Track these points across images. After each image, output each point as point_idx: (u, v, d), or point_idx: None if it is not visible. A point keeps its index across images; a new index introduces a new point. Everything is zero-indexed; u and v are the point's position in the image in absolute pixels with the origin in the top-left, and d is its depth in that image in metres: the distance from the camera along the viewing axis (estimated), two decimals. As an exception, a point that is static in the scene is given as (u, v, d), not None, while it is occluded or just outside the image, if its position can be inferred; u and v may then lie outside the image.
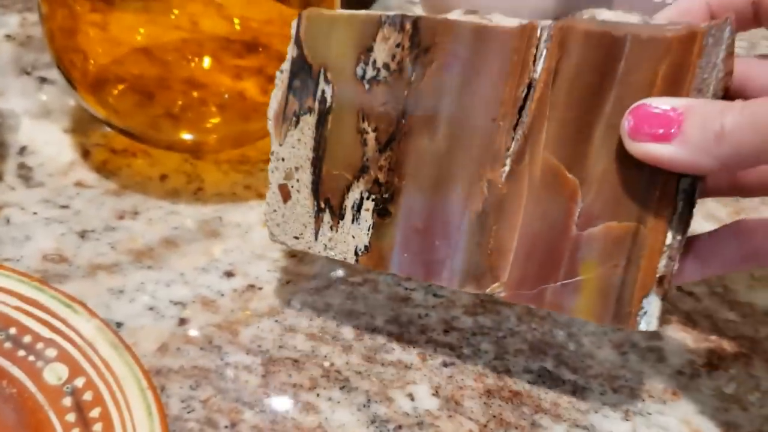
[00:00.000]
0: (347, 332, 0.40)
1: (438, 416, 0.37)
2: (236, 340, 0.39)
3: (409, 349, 0.39)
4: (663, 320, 0.34)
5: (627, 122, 0.30)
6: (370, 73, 0.34)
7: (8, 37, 0.54)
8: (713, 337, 0.42)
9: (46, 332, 0.35)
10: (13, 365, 0.34)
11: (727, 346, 0.42)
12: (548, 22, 0.32)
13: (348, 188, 0.36)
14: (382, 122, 0.35)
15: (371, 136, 0.35)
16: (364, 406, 0.37)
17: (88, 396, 0.33)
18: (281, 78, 0.36)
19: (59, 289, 0.36)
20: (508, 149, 0.33)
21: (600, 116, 0.31)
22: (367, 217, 0.36)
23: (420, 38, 0.33)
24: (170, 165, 0.47)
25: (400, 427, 0.36)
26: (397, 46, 0.34)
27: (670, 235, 0.31)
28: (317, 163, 0.36)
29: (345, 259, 0.36)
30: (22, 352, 0.34)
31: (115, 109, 0.46)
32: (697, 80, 0.30)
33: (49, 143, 0.48)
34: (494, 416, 0.37)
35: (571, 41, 0.31)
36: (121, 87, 0.46)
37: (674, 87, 0.30)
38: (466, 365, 0.39)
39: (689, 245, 0.34)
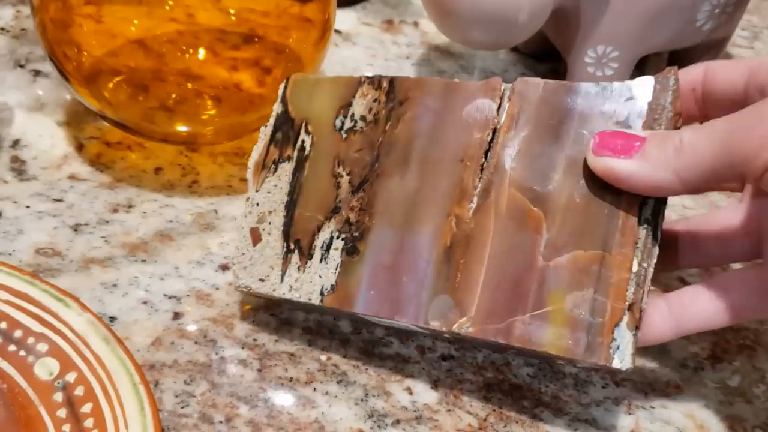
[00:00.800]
0: (344, 326, 0.39)
1: (437, 410, 0.36)
2: (231, 334, 0.38)
3: (407, 342, 0.39)
4: (636, 357, 0.34)
5: (593, 140, 0.32)
6: (348, 124, 0.37)
7: (2, 29, 0.54)
8: (716, 330, 0.41)
9: (37, 327, 0.34)
10: (3, 360, 0.33)
11: (731, 338, 0.41)
12: (509, 85, 0.35)
13: (319, 228, 0.36)
14: (356, 166, 0.36)
15: (345, 179, 0.36)
16: (362, 400, 0.36)
17: (79, 391, 0.32)
18: (264, 132, 0.38)
19: (51, 283, 0.36)
20: (475, 187, 0.34)
21: (561, 151, 0.33)
22: (335, 256, 0.35)
23: (395, 93, 0.36)
24: (165, 158, 0.47)
25: (398, 421, 0.35)
26: (375, 101, 0.37)
27: (635, 262, 0.31)
28: (291, 207, 0.37)
29: (309, 300, 0.35)
30: (12, 347, 0.34)
31: (110, 102, 0.45)
32: (649, 119, 0.33)
33: (43, 136, 0.47)
34: (494, 410, 0.37)
35: (530, 91, 0.34)
36: (115, 80, 0.46)
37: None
38: (466, 358, 0.38)
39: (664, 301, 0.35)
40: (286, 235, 0.36)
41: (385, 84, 0.37)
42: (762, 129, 0.29)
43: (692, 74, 0.35)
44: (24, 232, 0.41)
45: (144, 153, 0.47)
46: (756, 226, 0.37)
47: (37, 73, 0.51)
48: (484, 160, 0.34)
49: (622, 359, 0.31)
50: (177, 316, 0.39)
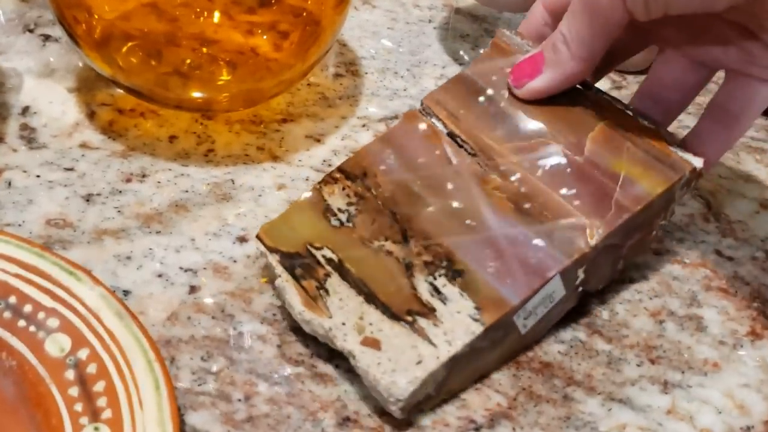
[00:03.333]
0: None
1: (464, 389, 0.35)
2: (250, 308, 0.37)
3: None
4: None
5: (510, 78, 0.38)
6: (343, 217, 0.37)
7: (11, -7, 0.52)
8: (756, 305, 0.40)
9: (47, 301, 0.33)
10: (12, 336, 0.32)
11: (772, 313, 0.39)
12: (421, 107, 0.40)
13: (414, 287, 0.35)
14: (387, 230, 0.36)
15: (389, 245, 0.36)
16: (386, 378, 0.35)
17: (92, 368, 0.31)
18: (283, 280, 0.35)
19: (62, 256, 0.34)
20: (480, 165, 0.38)
21: (506, 102, 0.39)
22: (450, 291, 0.34)
23: (352, 174, 0.38)
24: (180, 125, 0.45)
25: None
26: (343, 189, 0.38)
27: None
28: (372, 298, 0.34)
29: (474, 333, 0.33)
30: (22, 323, 0.32)
31: (122, 67, 0.44)
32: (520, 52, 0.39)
33: (53, 103, 0.46)
34: (524, 389, 0.35)
35: (442, 97, 0.40)
36: (128, 44, 0.44)
37: None
38: (494, 335, 0.37)
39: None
40: (395, 317, 0.34)
41: (337, 175, 0.38)
42: None
43: (535, 16, 0.40)
44: (34, 202, 0.40)
45: (158, 120, 0.45)
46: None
47: (46, 37, 0.50)
48: (466, 151, 0.38)
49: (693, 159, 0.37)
50: (193, 289, 0.37)
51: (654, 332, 0.38)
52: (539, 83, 0.37)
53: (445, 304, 0.34)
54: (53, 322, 0.32)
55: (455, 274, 0.35)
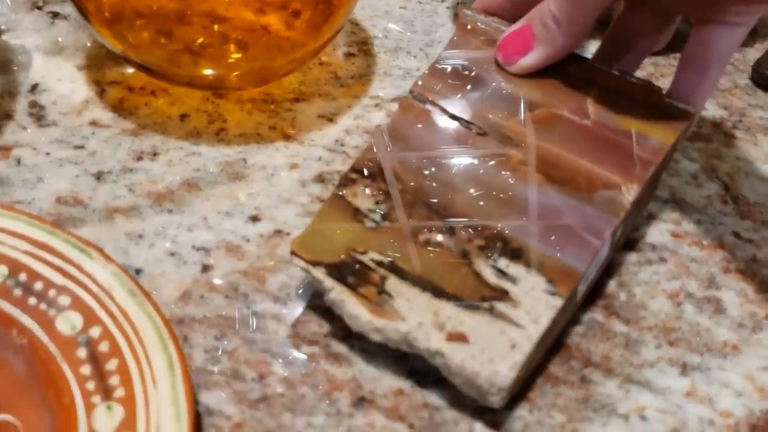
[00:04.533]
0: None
1: (481, 370, 0.34)
2: (263, 288, 0.36)
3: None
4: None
5: (499, 55, 0.39)
6: (377, 217, 0.35)
7: (19, -29, 0.51)
8: (776, 287, 0.39)
9: (58, 279, 0.32)
10: (23, 314, 0.31)
11: (792, 296, 0.39)
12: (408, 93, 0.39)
13: (478, 275, 0.34)
14: (426, 221, 0.35)
15: (435, 236, 0.35)
16: (402, 357, 0.34)
17: (104, 347, 0.30)
18: (338, 292, 0.34)
19: (73, 233, 0.34)
20: (493, 136, 0.38)
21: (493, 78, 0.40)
22: (516, 270, 0.34)
23: (365, 170, 0.37)
24: (191, 104, 0.45)
25: (440, 380, 0.33)
26: (364, 189, 0.36)
27: None
28: (440, 292, 0.33)
29: (556, 306, 0.33)
30: (33, 300, 0.32)
31: (132, 44, 0.43)
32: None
33: (63, 80, 0.45)
34: (541, 370, 0.35)
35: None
36: (138, 21, 0.43)
37: None
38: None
39: None
40: (471, 306, 0.33)
41: (353, 176, 0.36)
42: None
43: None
44: (44, 180, 0.39)
45: (169, 99, 0.45)
46: None
47: (55, 15, 0.49)
48: (476, 132, 0.37)
49: None
50: (206, 268, 0.37)
51: (672, 314, 0.37)
52: (531, 60, 0.38)
53: (515, 284, 0.33)
54: (64, 300, 0.32)
55: (514, 252, 0.34)
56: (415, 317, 0.33)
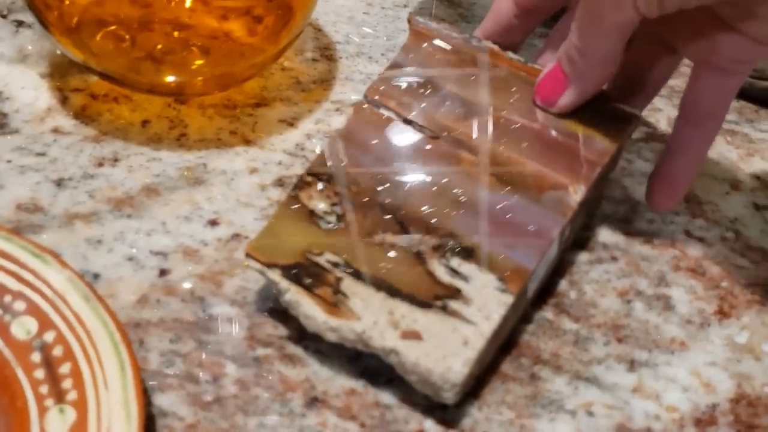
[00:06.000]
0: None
1: (432, 369, 0.35)
2: (220, 291, 0.37)
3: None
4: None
5: (536, 98, 0.39)
6: (332, 218, 0.36)
7: (-15, -21, 0.52)
8: (724, 284, 0.40)
9: (14, 284, 0.33)
10: (-22, 319, 0.32)
11: (739, 293, 0.40)
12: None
13: (431, 274, 0.35)
14: (381, 222, 0.36)
15: (389, 237, 0.36)
16: (355, 358, 0.35)
17: (58, 351, 0.31)
18: (294, 293, 0.34)
19: (29, 239, 0.35)
20: (446, 140, 0.39)
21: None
22: (467, 269, 0.35)
23: (321, 174, 0.37)
24: (153, 110, 0.45)
25: (391, 380, 0.34)
26: (320, 191, 0.37)
27: None
28: (395, 292, 0.34)
29: (507, 303, 0.34)
30: (-11, 306, 0.32)
31: (94, 52, 0.44)
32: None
33: (26, 88, 0.45)
34: (491, 368, 0.35)
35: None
36: (101, 31, 0.44)
37: None
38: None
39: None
40: (425, 304, 0.34)
41: (309, 178, 0.37)
42: None
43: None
44: (5, 187, 0.40)
45: (131, 105, 0.45)
46: None
47: (19, 23, 0.49)
48: (428, 136, 0.38)
49: None
50: (163, 272, 0.37)
51: (621, 312, 0.38)
52: (569, 99, 0.38)
53: (467, 282, 0.34)
54: (20, 305, 0.32)
55: (466, 252, 0.35)
56: (370, 316, 0.33)
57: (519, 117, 0.38)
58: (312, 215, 0.36)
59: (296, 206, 0.37)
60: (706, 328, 0.38)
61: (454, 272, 0.35)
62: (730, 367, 0.36)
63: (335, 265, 0.35)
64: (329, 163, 0.38)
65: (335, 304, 0.34)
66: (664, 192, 0.40)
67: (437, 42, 0.41)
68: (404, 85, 0.40)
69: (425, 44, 0.41)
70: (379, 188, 0.37)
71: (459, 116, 0.39)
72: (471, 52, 0.40)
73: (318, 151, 0.44)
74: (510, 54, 0.40)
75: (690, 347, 0.37)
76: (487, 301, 0.34)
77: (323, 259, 0.35)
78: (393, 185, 0.37)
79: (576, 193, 0.36)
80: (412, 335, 0.33)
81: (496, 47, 0.40)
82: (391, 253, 0.35)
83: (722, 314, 0.39)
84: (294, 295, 0.34)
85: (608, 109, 0.39)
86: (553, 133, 0.38)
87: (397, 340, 0.33)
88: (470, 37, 0.41)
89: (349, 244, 0.36)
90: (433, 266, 0.35)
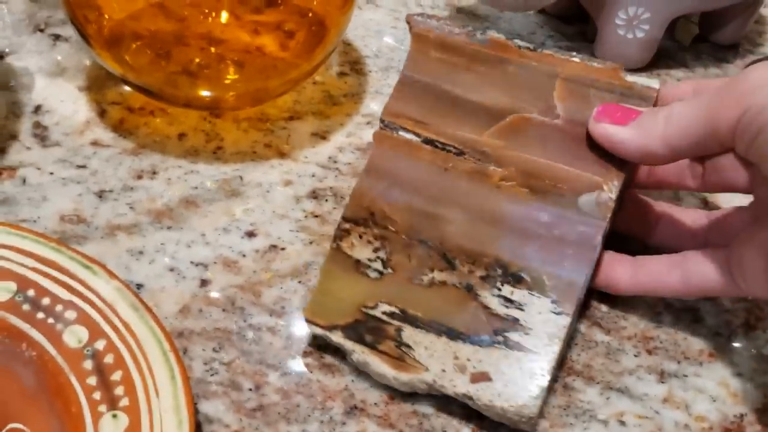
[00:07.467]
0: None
1: (467, 378, 0.36)
2: (259, 301, 0.38)
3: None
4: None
5: (596, 109, 0.36)
6: (377, 265, 0.36)
7: (21, -6, 0.53)
8: (750, 298, 0.41)
9: (65, 294, 0.34)
10: (32, 328, 0.33)
11: (765, 306, 0.40)
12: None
13: (487, 308, 0.35)
14: (427, 261, 0.36)
15: (438, 275, 0.36)
16: (392, 368, 0.36)
17: (109, 359, 0.32)
18: (360, 353, 0.35)
19: (78, 250, 0.36)
20: (467, 156, 0.38)
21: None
22: (520, 295, 0.35)
23: (359, 218, 0.37)
24: (188, 123, 0.46)
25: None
26: (360, 238, 0.37)
27: None
28: (455, 334, 0.35)
29: (565, 326, 0.35)
30: (41, 315, 0.33)
31: (131, 66, 0.45)
32: None
33: (65, 101, 0.47)
34: (525, 378, 0.36)
35: None
36: (137, 44, 0.45)
37: None
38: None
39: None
40: (487, 343, 0.34)
41: (347, 225, 0.37)
42: (735, 92, 0.32)
43: (682, 89, 0.38)
44: (48, 198, 0.41)
45: (167, 119, 0.46)
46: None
47: (57, 37, 0.51)
48: (452, 153, 0.38)
49: None
50: (204, 283, 0.38)
51: (651, 324, 0.39)
52: (615, 132, 0.35)
53: (523, 310, 0.35)
54: (71, 314, 0.33)
55: (515, 277, 0.35)
56: (437, 365, 0.34)
57: (539, 115, 0.37)
58: (358, 265, 0.36)
59: (341, 258, 0.36)
60: (734, 340, 0.39)
61: (509, 301, 0.35)
62: (756, 378, 0.37)
63: (392, 315, 0.35)
64: (364, 205, 0.37)
65: (401, 357, 0.34)
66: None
67: (441, 42, 0.39)
68: (416, 101, 0.39)
69: (431, 49, 0.39)
70: (417, 222, 0.37)
71: (478, 125, 0.38)
72: (477, 48, 0.39)
73: (351, 163, 0.45)
74: (518, 41, 0.39)
75: (718, 358, 0.38)
76: (545, 327, 0.34)
77: (379, 312, 0.35)
78: (429, 217, 0.37)
79: (611, 191, 0.36)
80: (482, 377, 0.34)
81: (501, 37, 0.39)
82: (443, 292, 0.35)
83: (748, 326, 0.39)
84: (361, 356, 0.35)
85: (626, 88, 0.37)
86: (576, 127, 0.37)
87: (468, 385, 0.34)
88: (473, 30, 0.39)
89: (399, 290, 0.36)
90: (487, 299, 0.35)
